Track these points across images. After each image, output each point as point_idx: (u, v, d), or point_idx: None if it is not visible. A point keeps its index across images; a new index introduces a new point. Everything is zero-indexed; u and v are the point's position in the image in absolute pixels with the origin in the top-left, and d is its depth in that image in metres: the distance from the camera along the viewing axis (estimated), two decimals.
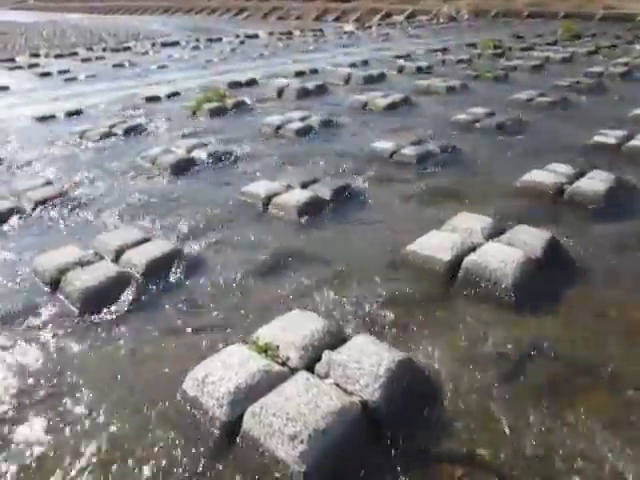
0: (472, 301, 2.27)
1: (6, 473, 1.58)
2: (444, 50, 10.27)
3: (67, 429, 1.71)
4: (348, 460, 1.53)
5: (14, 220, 3.29)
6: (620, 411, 1.70)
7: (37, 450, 1.65)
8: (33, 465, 1.60)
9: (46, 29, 22.56)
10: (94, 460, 1.59)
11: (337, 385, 1.71)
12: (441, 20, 19.04)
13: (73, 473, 1.56)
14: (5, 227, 3.22)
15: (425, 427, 1.66)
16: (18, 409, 1.81)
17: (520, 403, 1.73)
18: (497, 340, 2.03)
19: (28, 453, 1.64)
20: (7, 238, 3.10)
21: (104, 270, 2.51)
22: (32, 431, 1.72)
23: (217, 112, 5.85)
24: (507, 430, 1.64)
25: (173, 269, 2.61)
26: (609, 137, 4.23)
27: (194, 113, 5.94)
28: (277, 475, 1.48)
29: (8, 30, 22.89)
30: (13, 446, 1.67)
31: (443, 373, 1.87)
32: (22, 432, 1.72)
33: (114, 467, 1.57)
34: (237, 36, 15.49)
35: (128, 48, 13.51)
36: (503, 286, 2.27)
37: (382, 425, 1.64)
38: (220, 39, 14.83)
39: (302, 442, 1.49)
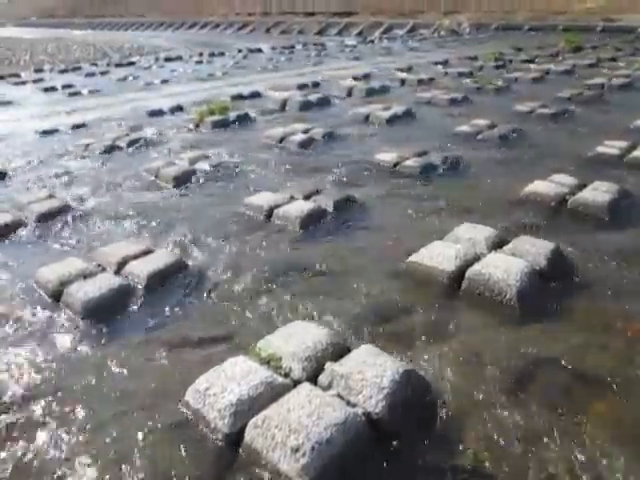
0: (476, 312, 2.26)
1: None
2: (445, 63, 10.33)
3: (67, 439, 1.70)
4: (351, 472, 1.51)
5: (17, 233, 3.29)
6: (630, 424, 1.67)
7: (37, 461, 1.63)
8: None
9: (50, 45, 22.80)
10: (93, 472, 1.58)
11: (340, 396, 1.69)
12: (442, 33, 19.20)
13: None
14: (8, 240, 3.22)
15: (429, 439, 1.64)
16: (17, 419, 1.80)
17: (526, 415, 1.71)
18: (502, 351, 2.01)
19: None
20: (10, 251, 3.10)
21: (106, 281, 2.51)
22: (31, 442, 1.71)
23: (220, 124, 5.88)
24: (513, 442, 1.61)
25: (175, 280, 2.61)
26: (612, 148, 4.23)
27: (197, 126, 5.97)
28: None
29: (13, 46, 23.15)
30: (4, 453, 1.66)
31: (447, 384, 1.85)
32: (19, 444, 1.71)
33: (114, 478, 1.55)
34: (240, 50, 15.63)
35: (132, 63, 13.64)
36: (507, 297, 2.25)
37: (385, 437, 1.62)
38: (223, 53, 14.96)
39: (304, 454, 1.47)
